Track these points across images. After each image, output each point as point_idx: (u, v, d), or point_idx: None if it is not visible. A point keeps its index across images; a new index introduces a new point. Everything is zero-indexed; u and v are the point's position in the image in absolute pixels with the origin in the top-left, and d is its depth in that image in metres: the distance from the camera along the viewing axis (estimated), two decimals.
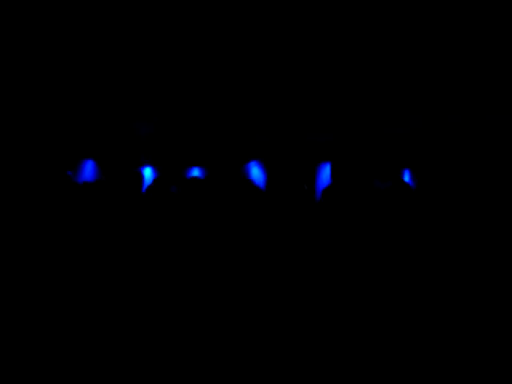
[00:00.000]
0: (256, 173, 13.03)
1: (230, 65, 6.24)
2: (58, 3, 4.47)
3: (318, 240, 3.21)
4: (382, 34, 4.89)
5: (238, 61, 6.00)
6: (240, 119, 10.50)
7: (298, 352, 2.67)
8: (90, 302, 2.64)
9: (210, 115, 10.20)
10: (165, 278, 2.72)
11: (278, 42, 5.12)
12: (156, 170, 13.03)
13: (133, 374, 2.57)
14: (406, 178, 11.54)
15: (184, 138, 12.38)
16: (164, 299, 2.68)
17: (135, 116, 10.46)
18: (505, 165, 9.84)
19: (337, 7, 4.31)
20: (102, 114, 10.13)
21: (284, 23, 4.62)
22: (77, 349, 2.46)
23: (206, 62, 6.16)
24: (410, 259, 2.98)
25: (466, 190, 2.96)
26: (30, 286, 2.68)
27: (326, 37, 4.99)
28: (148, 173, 12.91)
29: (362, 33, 4.92)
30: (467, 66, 5.84)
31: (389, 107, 8.65)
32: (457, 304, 2.42)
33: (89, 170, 13.07)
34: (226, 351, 2.65)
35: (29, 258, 2.78)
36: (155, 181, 5.27)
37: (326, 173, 14.26)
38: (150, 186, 4.38)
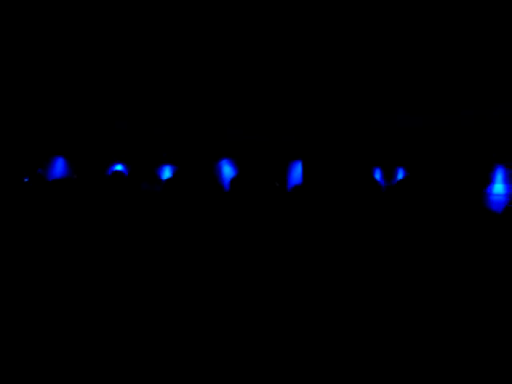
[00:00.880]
0: (227, 171, 13.04)
1: (202, 63, 6.25)
2: None
3: (287, 235, 3.24)
4: (350, 33, 4.95)
5: (210, 59, 6.01)
6: (213, 118, 10.52)
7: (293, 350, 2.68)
8: (58, 298, 2.64)
9: (182, 114, 10.21)
10: (138, 275, 2.73)
11: (251, 42, 5.15)
12: (127, 167, 12.98)
13: (132, 372, 2.56)
14: (377, 176, 11.63)
15: (156, 136, 12.34)
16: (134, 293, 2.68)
17: (108, 113, 10.43)
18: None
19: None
20: (73, 111, 10.08)
21: (255, 23, 4.65)
22: (70, 347, 2.45)
23: (179, 59, 6.17)
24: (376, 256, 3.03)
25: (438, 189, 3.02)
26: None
27: (295, 36, 5.03)
28: (120, 169, 12.86)
29: (331, 34, 4.97)
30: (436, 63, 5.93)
31: (359, 106, 8.73)
32: (441, 302, 2.44)
33: (59, 167, 12.98)
34: (219, 348, 2.66)
35: None
36: (127, 177, 5.28)
37: (297, 171, 14.33)
38: (122, 183, 4.38)
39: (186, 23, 4.73)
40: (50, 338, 2.47)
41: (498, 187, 9.48)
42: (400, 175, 11.60)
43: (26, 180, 7.70)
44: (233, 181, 3.83)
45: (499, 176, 9.73)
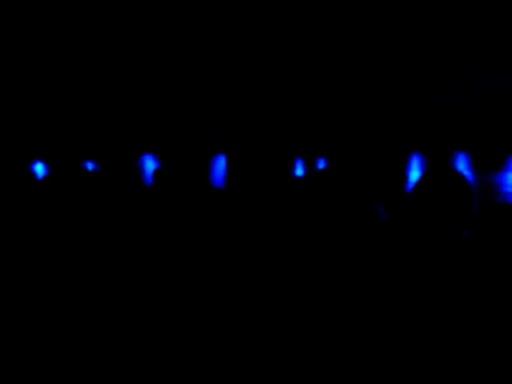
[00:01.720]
0: (150, 166, 12.97)
1: (122, 57, 6.20)
2: None
3: (216, 228, 3.29)
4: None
5: (130, 54, 5.96)
6: (134, 113, 10.42)
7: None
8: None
9: (102, 109, 10.08)
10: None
11: (173, 36, 5.13)
12: (48, 165, 12.73)
13: (131, 369, 2.55)
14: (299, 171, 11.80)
15: (77, 132, 12.15)
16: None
17: (25, 111, 10.19)
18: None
19: None
20: None
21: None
22: (66, 345, 2.42)
23: (99, 55, 6.10)
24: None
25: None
26: None
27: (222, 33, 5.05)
28: (39, 169, 12.60)
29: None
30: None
31: (280, 97, 8.82)
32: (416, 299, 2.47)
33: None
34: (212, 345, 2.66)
35: None
36: (48, 176, 5.17)
37: (221, 164, 14.37)
38: (42, 182, 4.31)
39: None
40: (46, 336, 2.44)
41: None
42: (320, 165, 11.77)
43: None
44: (156, 173, 3.83)
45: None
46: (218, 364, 2.67)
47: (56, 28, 4.98)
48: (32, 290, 2.67)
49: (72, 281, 2.67)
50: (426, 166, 9.43)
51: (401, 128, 10.00)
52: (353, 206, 2.87)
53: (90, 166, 12.96)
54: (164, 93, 8.60)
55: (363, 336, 2.47)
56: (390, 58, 5.83)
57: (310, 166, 11.77)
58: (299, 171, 11.53)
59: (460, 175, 2.73)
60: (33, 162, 12.72)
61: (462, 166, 8.94)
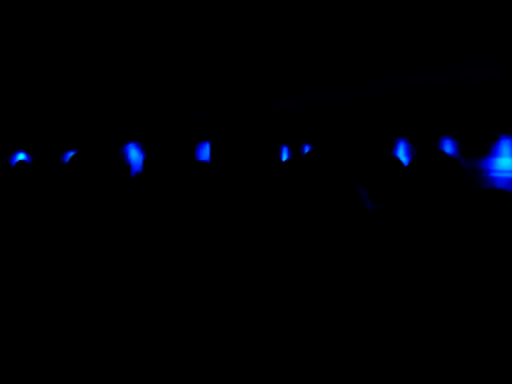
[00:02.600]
0: (134, 154, 12.90)
1: (105, 45, 6.10)
2: None
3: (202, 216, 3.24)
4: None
5: (113, 41, 5.87)
6: (116, 101, 10.33)
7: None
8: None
9: (85, 98, 9.97)
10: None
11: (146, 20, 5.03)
12: (30, 155, 12.61)
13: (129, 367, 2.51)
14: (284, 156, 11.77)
15: (59, 122, 12.02)
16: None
17: (8, 99, 10.06)
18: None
19: None
20: None
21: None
22: (67, 345, 2.36)
23: (78, 44, 6.00)
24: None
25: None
26: None
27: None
28: (21, 158, 12.48)
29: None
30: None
31: (262, 85, 8.78)
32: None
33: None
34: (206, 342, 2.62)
35: None
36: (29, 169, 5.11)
37: (205, 151, 14.32)
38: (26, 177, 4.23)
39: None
40: (44, 335, 2.40)
41: (504, 162, 8.97)
42: (305, 151, 11.74)
43: None
44: (145, 161, 3.77)
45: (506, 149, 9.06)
46: (218, 363, 2.64)
47: (36, 15, 4.88)
48: (15, 281, 2.62)
49: (60, 270, 2.62)
50: (415, 151, 9.43)
51: (386, 114, 9.99)
52: (335, 191, 2.83)
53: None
54: (145, 82, 8.51)
55: (355, 327, 2.45)
56: (366, 43, 5.79)
57: (295, 152, 11.74)
58: (284, 157, 11.51)
59: (453, 158, 2.70)
60: (15, 152, 12.60)
61: (448, 151, 8.93)
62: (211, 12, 4.76)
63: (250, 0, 4.38)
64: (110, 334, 2.49)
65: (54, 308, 2.49)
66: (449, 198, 2.55)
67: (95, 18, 4.99)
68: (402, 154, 9.67)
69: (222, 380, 2.54)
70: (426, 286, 2.36)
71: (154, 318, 2.56)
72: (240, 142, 11.32)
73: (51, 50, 6.35)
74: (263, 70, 7.40)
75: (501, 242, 2.26)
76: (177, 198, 3.62)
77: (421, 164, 2.60)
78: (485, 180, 8.86)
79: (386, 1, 4.34)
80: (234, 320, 2.68)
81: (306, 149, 11.84)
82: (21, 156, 12.61)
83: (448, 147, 9.15)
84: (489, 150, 8.86)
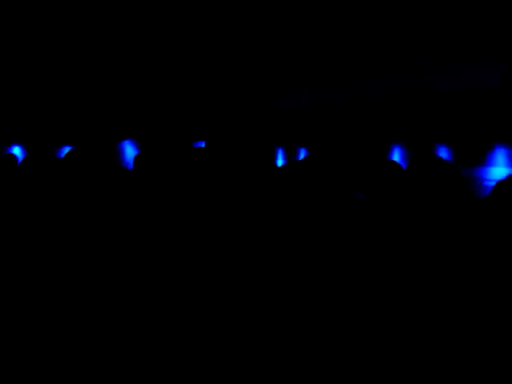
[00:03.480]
0: (130, 151, 12.85)
1: (100, 43, 6.08)
2: None
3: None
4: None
5: (108, 39, 5.85)
6: (112, 96, 10.29)
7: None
8: None
9: (82, 92, 9.93)
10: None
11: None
12: (25, 149, 12.55)
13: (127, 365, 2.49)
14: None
15: (54, 115, 11.97)
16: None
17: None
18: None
19: None
20: None
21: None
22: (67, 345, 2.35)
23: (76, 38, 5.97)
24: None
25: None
26: None
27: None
28: (17, 152, 12.43)
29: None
30: None
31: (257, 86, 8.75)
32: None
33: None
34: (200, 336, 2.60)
35: None
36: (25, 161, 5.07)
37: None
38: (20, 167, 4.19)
39: None
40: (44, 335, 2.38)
41: (499, 171, 8.96)
42: (301, 154, 11.74)
43: None
44: (136, 158, 3.75)
45: (501, 159, 9.17)
46: (217, 363, 2.63)
47: (30, 11, 4.85)
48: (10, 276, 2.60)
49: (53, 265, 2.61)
50: (410, 157, 9.42)
51: (383, 118, 9.98)
52: (332, 197, 2.83)
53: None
54: (143, 79, 8.48)
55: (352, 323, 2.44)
56: (364, 44, 5.78)
57: (290, 156, 11.72)
58: (280, 161, 11.48)
59: (451, 165, 2.69)
60: (10, 145, 12.54)
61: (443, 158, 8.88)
62: (210, 11, 4.74)
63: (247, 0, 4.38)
64: (106, 333, 2.48)
65: (52, 306, 2.48)
66: (450, 203, 2.54)
67: (92, 14, 4.97)
68: (396, 159, 9.66)
69: (221, 380, 2.53)
70: (425, 288, 2.37)
71: (152, 316, 2.55)
72: (235, 141, 11.21)
73: (49, 46, 6.33)
74: (260, 69, 7.38)
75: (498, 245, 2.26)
76: (170, 197, 3.61)
77: (420, 169, 2.59)
78: (480, 188, 8.87)
79: (387, 3, 4.34)
80: (233, 319, 2.67)
81: (302, 152, 11.82)
82: (16, 149, 12.56)
83: (443, 154, 9.16)
84: (484, 158, 8.87)
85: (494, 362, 2.14)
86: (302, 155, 11.58)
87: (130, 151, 12.75)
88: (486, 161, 8.80)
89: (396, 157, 9.84)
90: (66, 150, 12.71)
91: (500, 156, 8.69)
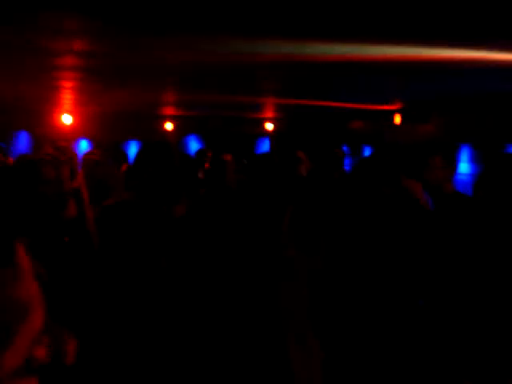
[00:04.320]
0: (194, 146, 12.96)
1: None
2: None
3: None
4: None
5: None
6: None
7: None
8: None
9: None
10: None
11: None
12: (91, 142, 12.79)
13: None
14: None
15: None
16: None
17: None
18: None
19: None
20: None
21: None
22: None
23: None
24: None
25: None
26: None
27: None
28: (84, 145, 12.69)
29: None
30: None
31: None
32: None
33: (23, 141, 12.74)
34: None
35: None
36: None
37: (265, 147, 14.32)
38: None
39: None
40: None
41: (464, 166, 9.45)
42: (366, 152, 11.61)
43: None
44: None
45: (465, 155, 9.68)
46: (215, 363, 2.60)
47: None
48: None
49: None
50: (480, 157, 9.22)
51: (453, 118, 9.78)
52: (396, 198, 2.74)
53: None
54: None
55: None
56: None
57: (354, 153, 11.60)
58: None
59: None
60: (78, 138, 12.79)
61: None
62: None
63: None
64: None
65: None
66: None
67: None
68: (465, 160, 9.46)
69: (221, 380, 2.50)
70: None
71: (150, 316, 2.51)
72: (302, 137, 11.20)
73: None
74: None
75: None
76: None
77: (499, 171, 2.45)
78: None
79: None
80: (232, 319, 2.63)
81: (366, 150, 11.69)
82: (83, 142, 12.77)
83: None
84: None
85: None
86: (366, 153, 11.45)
87: (194, 146, 12.84)
88: None
89: (464, 156, 9.63)
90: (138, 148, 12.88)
91: None
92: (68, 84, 8.84)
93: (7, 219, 1.90)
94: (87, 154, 5.09)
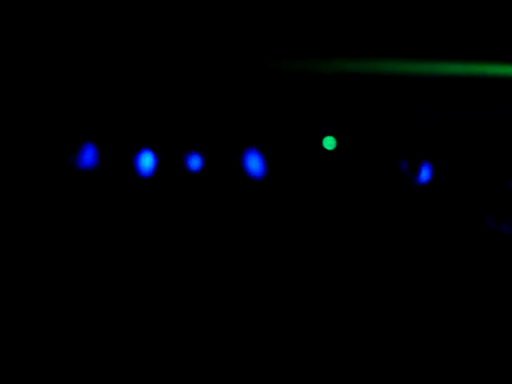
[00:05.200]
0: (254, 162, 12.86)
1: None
2: None
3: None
4: None
5: None
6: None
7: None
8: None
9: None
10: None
11: None
12: (156, 155, 12.90)
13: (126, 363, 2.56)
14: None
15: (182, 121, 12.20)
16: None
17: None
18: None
19: None
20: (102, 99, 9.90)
21: None
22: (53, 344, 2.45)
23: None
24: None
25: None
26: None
27: None
28: (148, 159, 12.74)
29: None
30: None
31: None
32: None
33: (89, 154, 12.87)
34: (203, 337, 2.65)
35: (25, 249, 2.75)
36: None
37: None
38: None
39: None
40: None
41: None
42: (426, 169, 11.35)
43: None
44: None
45: None
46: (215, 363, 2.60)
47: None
48: None
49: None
50: None
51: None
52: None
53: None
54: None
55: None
56: None
57: (413, 169, 11.40)
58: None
59: None
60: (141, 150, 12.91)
61: None
62: None
63: None
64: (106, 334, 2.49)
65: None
66: None
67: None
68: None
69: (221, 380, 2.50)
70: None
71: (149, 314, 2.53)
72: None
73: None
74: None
75: None
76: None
77: None
78: None
79: None
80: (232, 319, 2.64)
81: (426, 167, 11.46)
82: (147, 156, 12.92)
83: None
84: None
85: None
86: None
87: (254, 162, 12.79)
88: None
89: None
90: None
91: None
92: None
93: None
94: None
